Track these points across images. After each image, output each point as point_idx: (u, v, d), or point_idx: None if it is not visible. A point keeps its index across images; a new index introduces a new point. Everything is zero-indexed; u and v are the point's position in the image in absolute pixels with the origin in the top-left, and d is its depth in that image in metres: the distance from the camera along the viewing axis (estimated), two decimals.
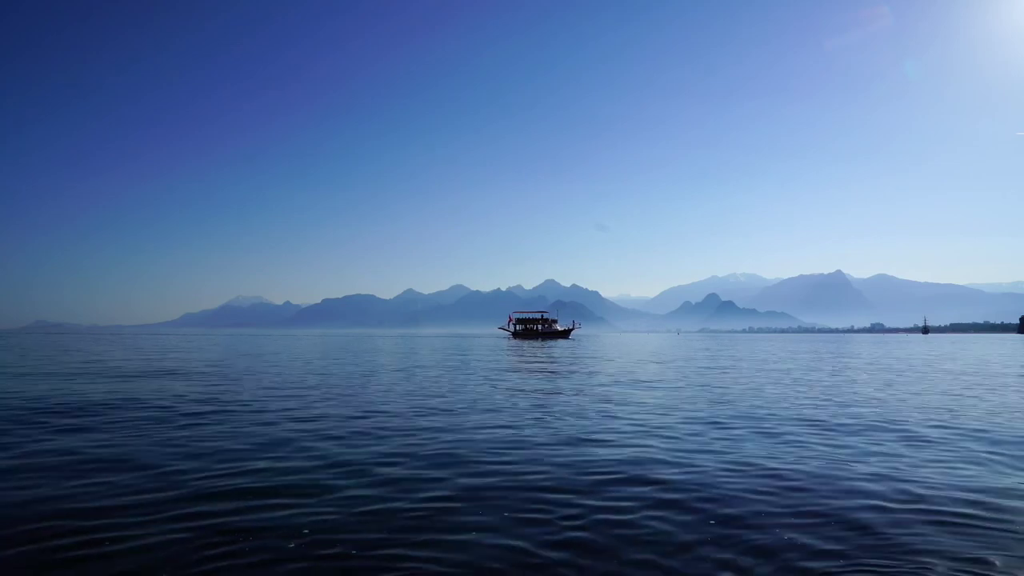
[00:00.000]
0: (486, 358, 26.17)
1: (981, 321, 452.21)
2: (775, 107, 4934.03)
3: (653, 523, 4.07)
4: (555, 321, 75.41)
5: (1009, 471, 5.69)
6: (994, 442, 7.09)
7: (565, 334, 75.50)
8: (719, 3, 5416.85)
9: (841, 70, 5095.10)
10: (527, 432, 7.50)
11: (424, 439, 7.03)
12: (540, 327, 74.45)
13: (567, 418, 8.72)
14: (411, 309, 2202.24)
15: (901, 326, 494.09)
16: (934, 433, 7.66)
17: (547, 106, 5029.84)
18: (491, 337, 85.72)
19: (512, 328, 76.50)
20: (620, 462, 5.86)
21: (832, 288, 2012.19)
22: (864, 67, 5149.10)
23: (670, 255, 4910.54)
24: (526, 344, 48.27)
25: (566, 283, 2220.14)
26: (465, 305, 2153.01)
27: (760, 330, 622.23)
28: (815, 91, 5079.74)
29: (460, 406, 9.98)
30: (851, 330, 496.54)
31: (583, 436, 7.26)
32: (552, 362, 23.35)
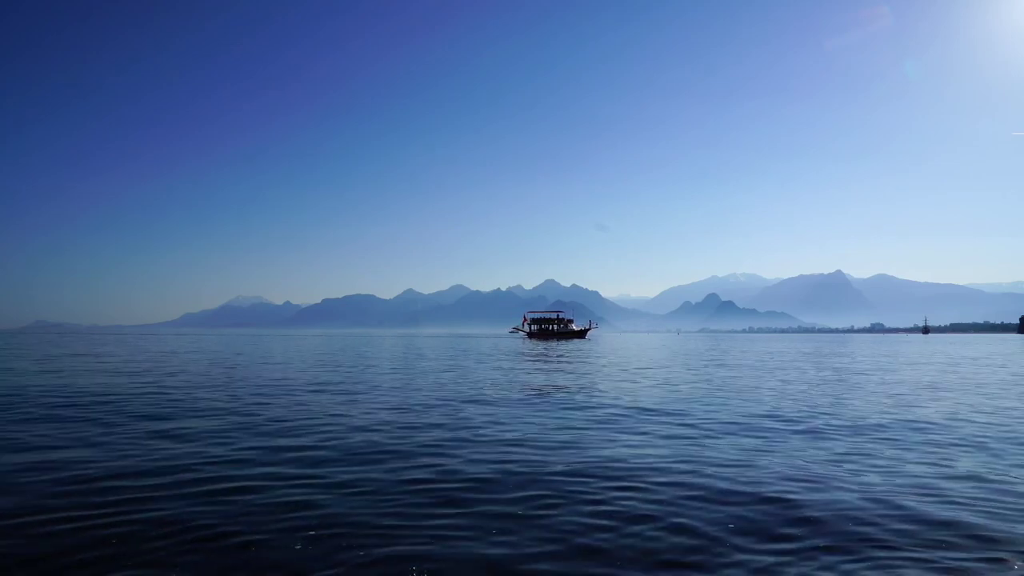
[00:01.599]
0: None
1: (981, 321, 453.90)
2: (775, 107, 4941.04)
3: None
4: (571, 321, 74.78)
5: None
6: None
7: (581, 334, 74.53)
8: (719, 3, 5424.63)
9: (841, 70, 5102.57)
10: None
11: None
12: (556, 327, 74.01)
13: None
14: (411, 309, 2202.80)
15: (901, 326, 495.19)
16: None
17: (547, 106, 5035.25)
18: (497, 337, 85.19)
19: (527, 328, 76.26)
20: None
21: (832, 288, 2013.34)
22: (864, 67, 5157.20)
23: (670, 255, 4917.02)
24: (544, 345, 47.27)
25: (566, 283, 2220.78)
26: (465, 305, 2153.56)
27: (760, 330, 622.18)
28: (815, 91, 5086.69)
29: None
30: (851, 330, 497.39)
31: None
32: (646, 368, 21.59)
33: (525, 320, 77.28)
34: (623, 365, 22.05)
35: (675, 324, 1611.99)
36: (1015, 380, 16.46)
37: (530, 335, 74.87)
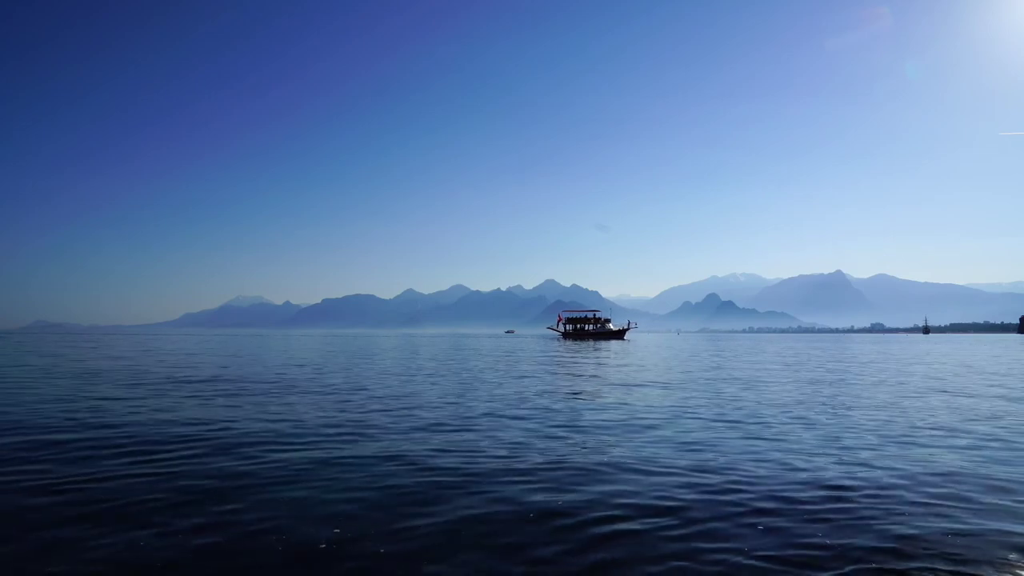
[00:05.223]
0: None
1: (981, 321, 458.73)
2: (775, 107, 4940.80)
3: None
4: (608, 320, 73.25)
5: None
6: None
7: (619, 334, 72.26)
8: (719, 3, 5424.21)
9: (841, 70, 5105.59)
10: None
11: None
12: (592, 327, 72.72)
13: None
14: (411, 309, 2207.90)
15: (901, 326, 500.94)
16: None
17: (547, 106, 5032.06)
18: (498, 338, 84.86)
19: (562, 328, 75.69)
20: None
21: (832, 288, 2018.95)
22: (864, 67, 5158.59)
23: (670, 255, 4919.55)
24: (583, 346, 44.92)
25: (566, 283, 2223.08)
26: (465, 305, 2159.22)
27: (760, 330, 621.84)
28: (815, 91, 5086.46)
29: None
30: (851, 330, 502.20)
31: None
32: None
33: (560, 319, 77.10)
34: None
35: (675, 324, 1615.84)
36: None
37: (565, 335, 73.72)
